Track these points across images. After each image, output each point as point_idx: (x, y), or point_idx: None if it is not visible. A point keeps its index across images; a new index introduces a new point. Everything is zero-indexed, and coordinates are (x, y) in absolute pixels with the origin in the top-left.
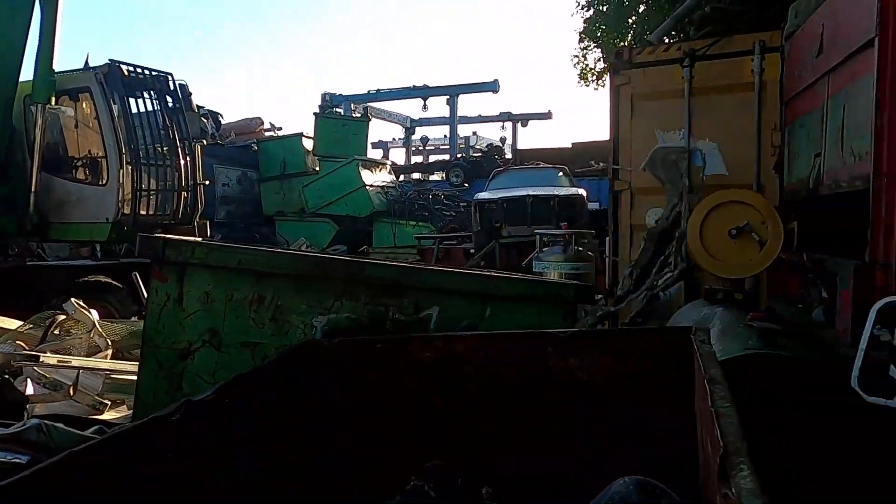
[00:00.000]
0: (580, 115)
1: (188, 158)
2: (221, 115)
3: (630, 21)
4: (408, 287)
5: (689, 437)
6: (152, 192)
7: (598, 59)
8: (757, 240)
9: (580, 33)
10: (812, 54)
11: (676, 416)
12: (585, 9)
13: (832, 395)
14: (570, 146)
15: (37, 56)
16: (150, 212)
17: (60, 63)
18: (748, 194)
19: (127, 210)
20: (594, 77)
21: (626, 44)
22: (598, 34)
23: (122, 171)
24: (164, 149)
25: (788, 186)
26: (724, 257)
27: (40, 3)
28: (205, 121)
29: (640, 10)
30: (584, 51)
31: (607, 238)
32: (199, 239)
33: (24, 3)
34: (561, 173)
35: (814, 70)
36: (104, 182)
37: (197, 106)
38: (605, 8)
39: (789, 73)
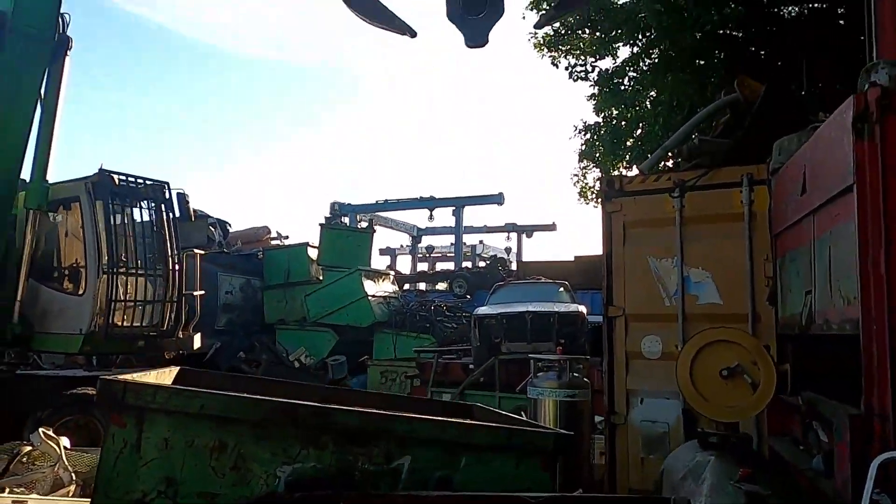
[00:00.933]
0: (585, 227)
1: (177, 268)
2: (229, 224)
3: (627, 143)
4: (378, 434)
5: None
6: (129, 303)
7: (597, 179)
8: (749, 382)
9: (579, 154)
10: (797, 192)
11: None
12: (583, 133)
13: None
14: (572, 259)
15: (32, 162)
16: (132, 322)
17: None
18: (737, 334)
19: (102, 321)
20: (593, 195)
21: (624, 165)
22: (597, 155)
23: (99, 280)
24: (154, 258)
25: (783, 319)
26: (716, 399)
27: (41, 107)
28: (212, 229)
29: (637, 134)
30: (584, 170)
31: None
32: (166, 383)
33: (26, 108)
34: (562, 289)
35: (799, 208)
36: (82, 292)
37: (199, 214)
38: (602, 132)
39: (777, 207)
